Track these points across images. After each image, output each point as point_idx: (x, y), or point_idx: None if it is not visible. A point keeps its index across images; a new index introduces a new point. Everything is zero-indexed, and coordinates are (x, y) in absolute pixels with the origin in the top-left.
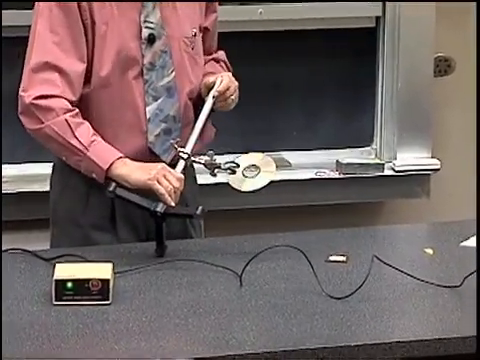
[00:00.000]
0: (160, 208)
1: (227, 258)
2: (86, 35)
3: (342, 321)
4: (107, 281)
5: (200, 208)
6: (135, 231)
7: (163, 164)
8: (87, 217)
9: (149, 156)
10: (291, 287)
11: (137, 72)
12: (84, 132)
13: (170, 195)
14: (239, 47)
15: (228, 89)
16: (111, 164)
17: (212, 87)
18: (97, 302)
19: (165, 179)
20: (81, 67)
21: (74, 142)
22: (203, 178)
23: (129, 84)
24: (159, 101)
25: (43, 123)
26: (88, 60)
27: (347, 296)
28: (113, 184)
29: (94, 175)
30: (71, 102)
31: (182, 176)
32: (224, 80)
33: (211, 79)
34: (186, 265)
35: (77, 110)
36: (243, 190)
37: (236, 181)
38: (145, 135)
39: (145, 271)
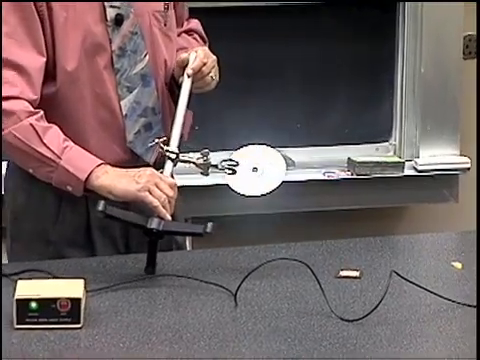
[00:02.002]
0: (156, 224)
1: (219, 273)
2: (43, 25)
3: (355, 347)
4: (78, 301)
5: (210, 225)
6: (113, 244)
7: (151, 169)
8: (59, 232)
9: (129, 158)
10: (295, 308)
11: (106, 61)
12: (54, 137)
13: (164, 207)
14: (233, 24)
15: (205, 65)
16: (90, 173)
17: (186, 65)
18: (66, 325)
19: (157, 188)
20: (40, 61)
21: (43, 150)
22: (188, 179)
23: (99, 76)
24: (134, 92)
25: (3, 130)
26: (49, 54)
27: (361, 318)
28: (102, 203)
29: (69, 188)
30: (32, 103)
31: (175, 182)
32: (198, 55)
33: (183, 56)
34: (171, 281)
35: (42, 112)
36: (250, 194)
37: (239, 183)
38: (123, 134)
39: (123, 289)
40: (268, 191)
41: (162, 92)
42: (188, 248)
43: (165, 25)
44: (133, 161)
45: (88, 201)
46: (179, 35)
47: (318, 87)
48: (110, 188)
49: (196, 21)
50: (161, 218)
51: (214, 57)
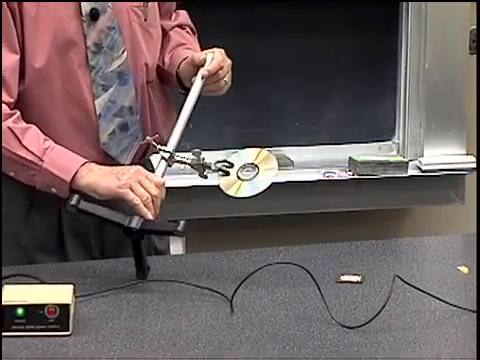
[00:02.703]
0: (136, 223)
1: (215, 278)
2: (15, 21)
3: (356, 355)
4: (66, 307)
5: (182, 223)
6: (87, 249)
7: (138, 167)
8: (29, 236)
9: (102, 161)
10: (294, 314)
11: (81, 58)
12: (33, 139)
13: (146, 205)
14: (228, 16)
15: (221, 68)
16: (75, 173)
17: (201, 65)
18: (54, 333)
19: (140, 185)
20: (14, 59)
21: (23, 153)
22: (181, 180)
23: (72, 74)
24: (110, 91)
25: None
26: (19, 51)
27: (363, 325)
28: (75, 197)
29: (54, 190)
30: (8, 104)
31: (163, 181)
32: (216, 57)
33: (200, 55)
34: (164, 287)
35: (18, 113)
36: (238, 196)
37: (229, 185)
38: (96, 135)
39: (113, 294)
40: (255, 193)
41: (142, 91)
42: (173, 253)
43: (145, 20)
44: (107, 164)
45: (60, 203)
46: (171, 29)
47: (318, 83)
48: (94, 186)
49: (184, 13)
50: (142, 217)
51: (229, 61)
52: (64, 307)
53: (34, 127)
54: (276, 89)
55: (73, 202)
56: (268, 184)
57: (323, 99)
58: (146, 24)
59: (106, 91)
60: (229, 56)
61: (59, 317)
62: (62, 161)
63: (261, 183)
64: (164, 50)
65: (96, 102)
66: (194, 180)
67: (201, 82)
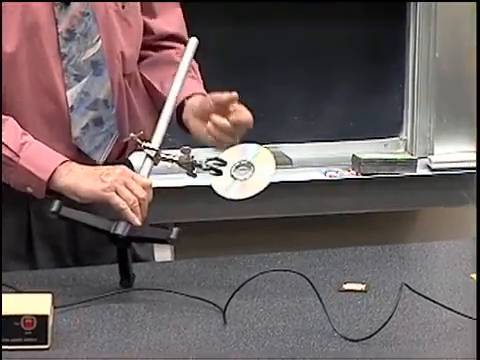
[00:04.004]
0: (122, 230)
1: (206, 287)
2: None
3: None
4: (44, 318)
5: (175, 230)
6: (58, 256)
7: (123, 167)
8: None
9: (74, 157)
10: (292, 326)
11: (52, 44)
12: (10, 132)
13: (133, 209)
14: (226, 2)
15: (236, 127)
16: (53, 172)
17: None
18: (31, 346)
19: (126, 188)
20: None
21: None
22: (168, 180)
23: (43, 62)
24: (83, 81)
25: None
26: None
27: (367, 338)
28: (56, 202)
29: (30, 189)
30: None
31: (150, 182)
32: (246, 117)
33: (224, 98)
34: (151, 296)
35: None
36: (232, 197)
37: (222, 185)
38: (68, 129)
39: (96, 304)
40: (250, 195)
41: (118, 83)
42: (160, 259)
43: (123, 8)
44: (80, 161)
45: (29, 204)
46: (166, 39)
47: (318, 74)
48: (75, 188)
49: (178, 16)
50: (128, 222)
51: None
52: (42, 318)
53: (11, 119)
54: (272, 80)
55: (54, 208)
56: (265, 185)
57: (324, 91)
58: (124, 12)
59: (79, 82)
60: (220, 44)
61: (36, 329)
62: (40, 158)
63: (257, 183)
64: (159, 71)
65: (68, 93)
66: (183, 180)
67: (184, 72)
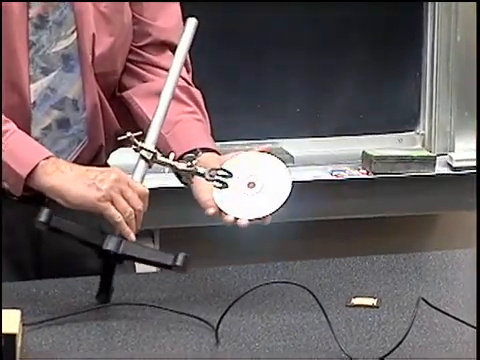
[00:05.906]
0: (114, 246)
1: (196, 302)
2: None
3: None
4: (13, 337)
5: (181, 256)
6: (19, 267)
7: (119, 171)
8: None
9: None
10: (294, 345)
11: (21, 31)
12: None
13: (129, 223)
14: None
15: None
16: (34, 168)
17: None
18: None
19: (123, 197)
20: None
21: None
22: (155, 180)
23: (10, 49)
24: (51, 76)
25: None
26: None
27: (380, 359)
28: (45, 211)
29: (6, 185)
30: None
31: (146, 191)
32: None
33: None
34: (133, 312)
35: None
36: (242, 217)
37: (228, 201)
38: (28, 127)
39: (71, 322)
40: (265, 214)
41: (91, 85)
42: (144, 270)
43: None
44: None
45: None
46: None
47: (325, 59)
48: (62, 191)
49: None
50: (122, 237)
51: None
52: (10, 337)
53: None
54: (272, 68)
55: (43, 219)
56: (281, 203)
57: (331, 79)
58: (104, 5)
59: (46, 76)
60: (213, 26)
61: (4, 350)
62: (20, 150)
63: (265, 205)
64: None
65: (32, 86)
66: (171, 181)
67: (181, 61)
